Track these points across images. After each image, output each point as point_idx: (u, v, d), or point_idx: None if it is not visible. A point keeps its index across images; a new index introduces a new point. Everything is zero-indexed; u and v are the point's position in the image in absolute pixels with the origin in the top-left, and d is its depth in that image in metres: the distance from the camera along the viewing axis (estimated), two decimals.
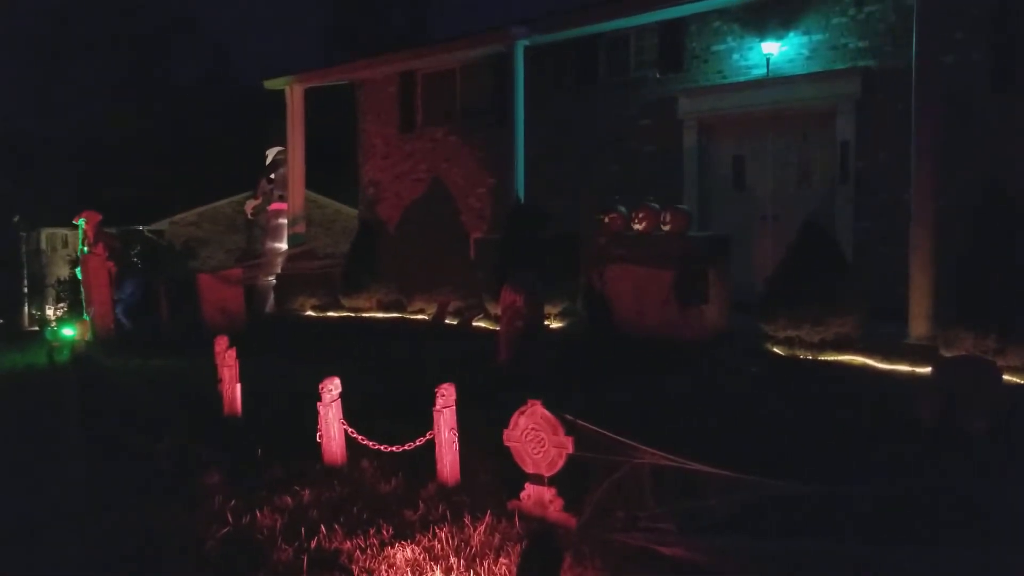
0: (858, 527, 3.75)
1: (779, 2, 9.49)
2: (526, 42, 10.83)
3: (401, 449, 4.83)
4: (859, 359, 6.93)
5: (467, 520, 4.12)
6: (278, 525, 4.17)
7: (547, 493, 4.24)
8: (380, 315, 11.36)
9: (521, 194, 10.71)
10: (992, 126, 8.02)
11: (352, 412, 5.17)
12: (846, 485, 4.10)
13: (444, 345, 8.81)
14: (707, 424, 5.48)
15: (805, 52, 9.39)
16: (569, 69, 11.58)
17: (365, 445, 4.95)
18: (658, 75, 10.68)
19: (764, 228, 9.89)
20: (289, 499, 4.51)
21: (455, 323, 10.23)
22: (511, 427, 4.36)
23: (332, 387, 5.11)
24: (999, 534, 3.48)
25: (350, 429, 5.06)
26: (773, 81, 9.55)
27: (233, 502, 4.46)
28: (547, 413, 4.21)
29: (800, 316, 7.26)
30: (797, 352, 7.24)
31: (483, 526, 4.05)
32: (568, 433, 4.17)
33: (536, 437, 4.24)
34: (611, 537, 3.92)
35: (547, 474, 4.23)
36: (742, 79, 9.89)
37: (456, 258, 12.61)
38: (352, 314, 11.59)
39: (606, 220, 8.45)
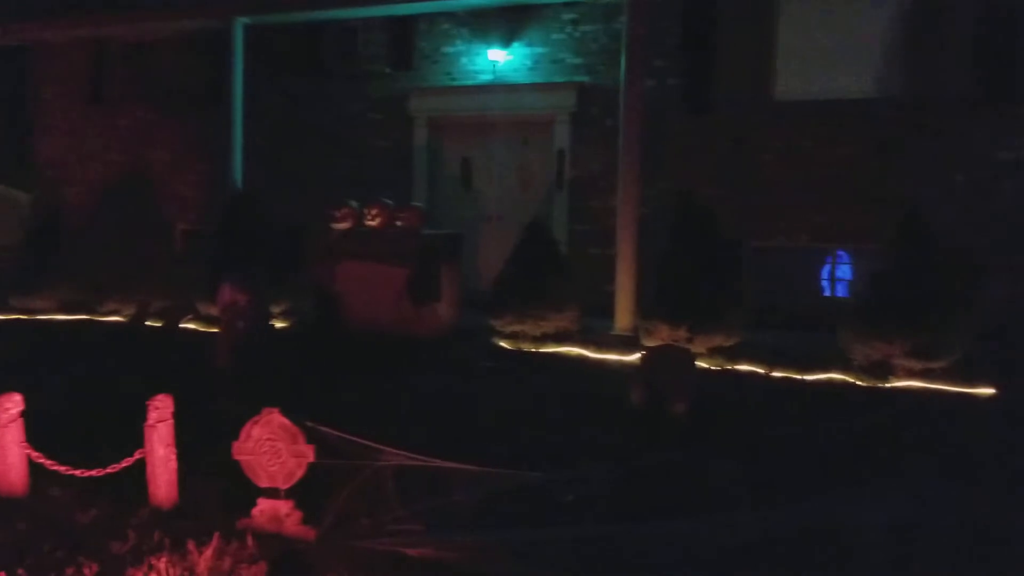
0: (594, 508, 3.96)
1: (504, 13, 9.87)
2: (246, 20, 10.05)
3: (103, 473, 4.14)
4: (576, 350, 7.44)
5: (191, 546, 3.64)
6: None
7: (283, 507, 3.89)
8: (64, 317, 9.81)
9: (240, 183, 9.92)
10: (685, 144, 9.10)
11: (38, 433, 4.34)
12: (576, 469, 4.33)
13: (149, 350, 7.84)
14: (446, 419, 5.48)
15: (528, 63, 9.90)
16: (296, 55, 10.98)
17: (56, 471, 4.16)
18: (388, 71, 10.57)
19: (490, 228, 10.24)
20: None
21: (159, 325, 9.19)
22: (242, 439, 3.94)
23: (10, 405, 4.23)
24: (714, 502, 3.89)
25: (35, 453, 4.22)
26: (499, 88, 9.92)
27: None
28: (286, 421, 3.87)
29: (524, 312, 7.61)
30: (522, 345, 7.59)
31: (210, 550, 3.60)
32: (309, 441, 3.87)
33: (272, 448, 3.88)
34: (356, 545, 3.73)
35: (284, 487, 3.89)
36: (470, 83, 10.14)
37: (159, 252, 11.28)
38: (25, 316, 9.87)
39: (337, 215, 8.13)
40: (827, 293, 8.66)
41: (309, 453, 3.84)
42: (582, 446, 4.86)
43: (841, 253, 8.63)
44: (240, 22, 10.04)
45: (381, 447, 4.00)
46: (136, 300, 9.66)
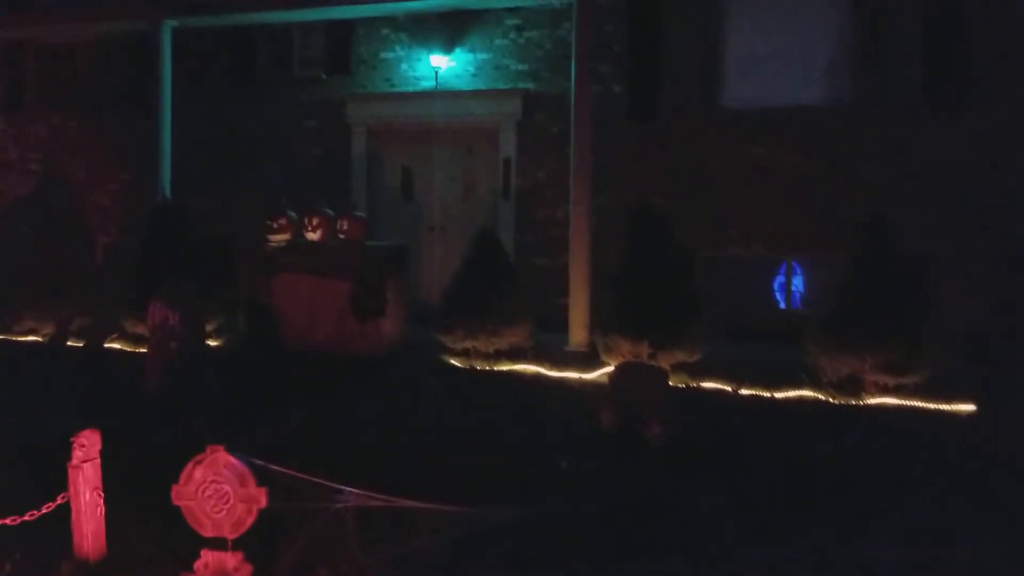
0: (572, 546, 3.70)
1: (445, 18, 9.58)
2: (174, 22, 9.49)
3: (19, 521, 3.68)
4: (532, 368, 7.16)
5: None
6: None
7: (231, 560, 3.50)
8: None
9: (167, 193, 9.34)
10: (632, 152, 8.94)
11: None
12: (550, 503, 4.06)
13: (72, 374, 7.26)
14: (402, 449, 5.14)
15: (471, 69, 9.63)
16: (228, 59, 10.43)
17: None
18: (325, 76, 10.14)
19: (431, 239, 9.93)
20: None
21: (81, 345, 8.57)
22: (183, 481, 3.54)
23: None
24: (704, 539, 3.68)
25: None
26: (442, 95, 9.63)
27: None
28: (233, 460, 3.48)
29: (477, 328, 7.29)
30: (475, 363, 7.28)
31: None
32: (260, 483, 3.49)
33: (218, 491, 3.48)
34: None
35: (232, 536, 3.49)
36: (411, 89, 9.81)
37: (81, 268, 10.50)
38: None
39: (274, 226, 7.69)
40: (782, 305, 8.64)
41: (261, 497, 3.46)
42: (556, 476, 4.58)
43: (795, 264, 8.61)
44: (168, 24, 9.50)
45: (339, 486, 3.65)
46: (55, 318, 9.00)
